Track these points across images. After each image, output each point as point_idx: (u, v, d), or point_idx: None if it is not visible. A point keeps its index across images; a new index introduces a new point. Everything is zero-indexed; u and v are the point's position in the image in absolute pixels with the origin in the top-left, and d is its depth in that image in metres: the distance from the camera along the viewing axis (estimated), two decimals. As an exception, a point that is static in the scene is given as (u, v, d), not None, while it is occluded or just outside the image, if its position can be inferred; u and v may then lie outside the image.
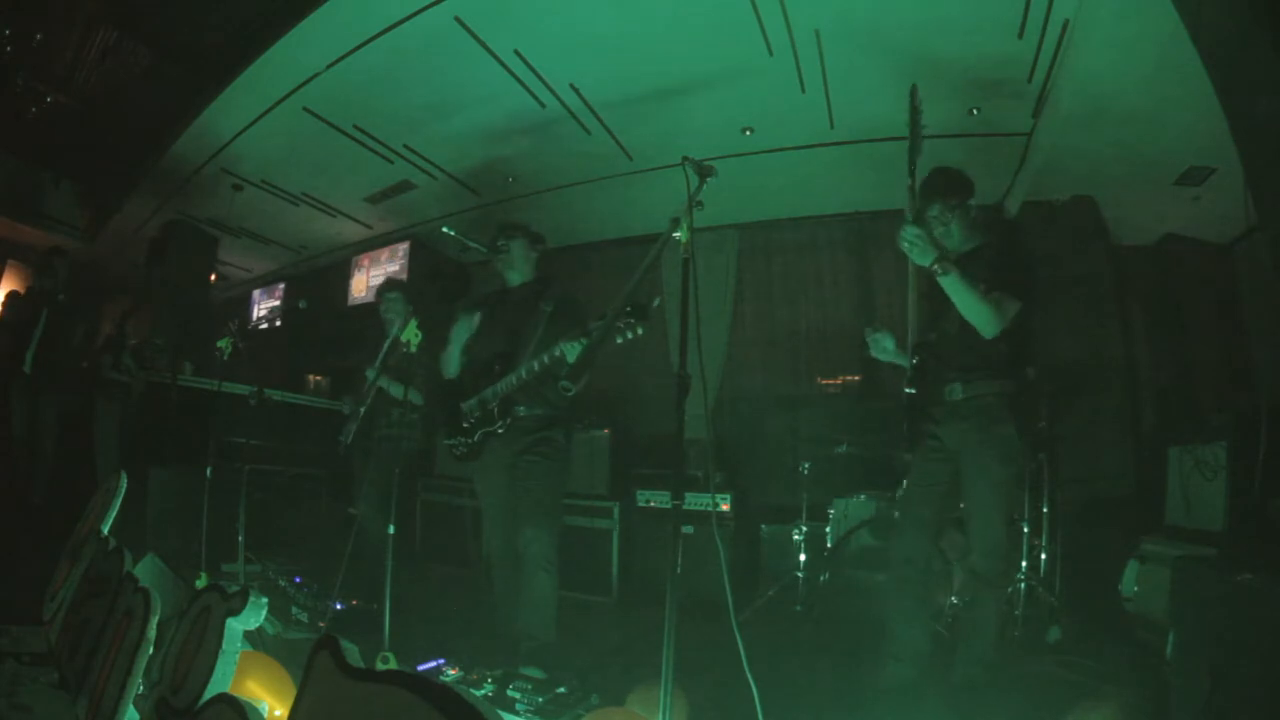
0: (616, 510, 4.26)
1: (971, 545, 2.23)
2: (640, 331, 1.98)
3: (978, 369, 2.20)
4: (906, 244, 2.08)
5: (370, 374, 3.45)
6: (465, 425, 2.66)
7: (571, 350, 2.25)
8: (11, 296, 5.29)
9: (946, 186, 2.31)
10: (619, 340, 1.98)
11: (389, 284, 3.86)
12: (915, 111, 2.21)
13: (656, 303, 2.09)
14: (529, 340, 2.55)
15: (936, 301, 2.26)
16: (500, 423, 2.57)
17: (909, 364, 2.28)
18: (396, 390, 3.38)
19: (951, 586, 3.05)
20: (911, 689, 2.19)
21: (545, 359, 2.39)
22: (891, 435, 2.54)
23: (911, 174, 2.22)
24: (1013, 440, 2.16)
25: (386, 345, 3.48)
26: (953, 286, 2.08)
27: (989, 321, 2.10)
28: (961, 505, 2.27)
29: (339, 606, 3.01)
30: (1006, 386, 2.19)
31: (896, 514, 2.43)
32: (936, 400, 2.26)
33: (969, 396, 2.20)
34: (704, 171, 1.73)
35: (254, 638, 1.97)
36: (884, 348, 2.44)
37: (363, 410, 3.52)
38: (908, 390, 2.27)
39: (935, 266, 2.06)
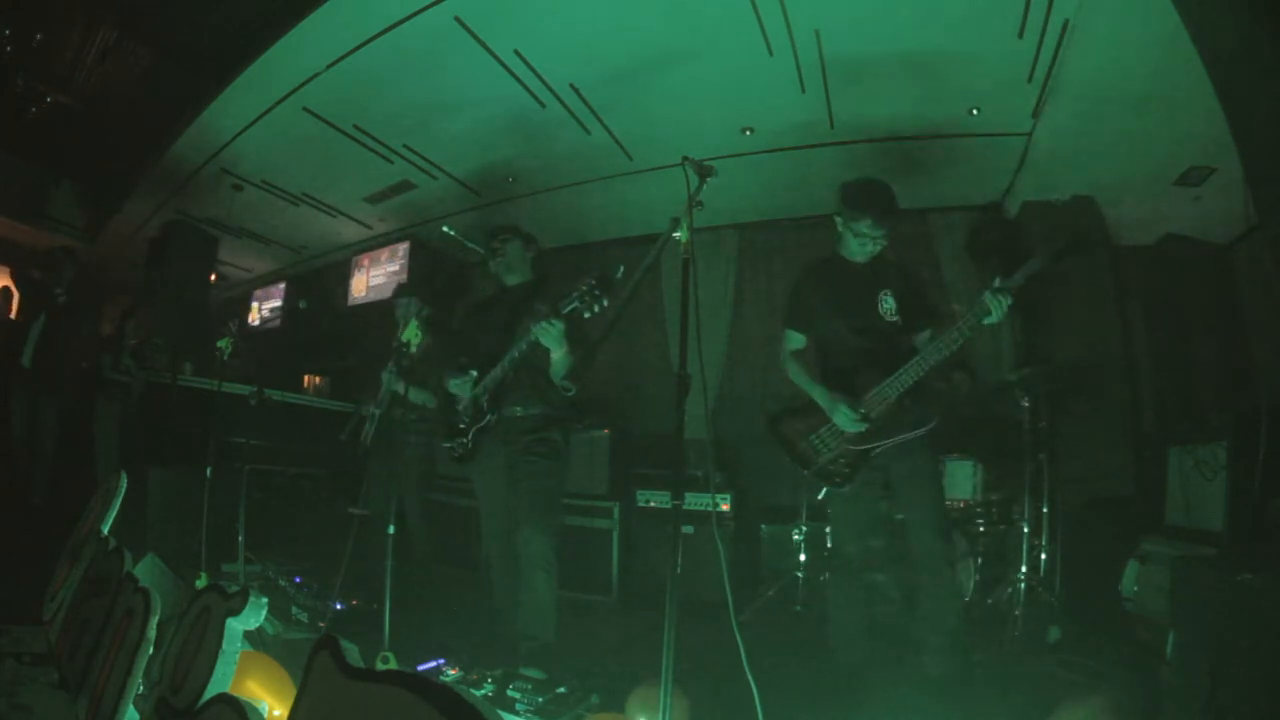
0: (616, 510, 4.26)
1: (926, 535, 2.25)
2: (605, 303, 2.07)
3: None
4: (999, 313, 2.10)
5: (387, 378, 3.44)
6: (460, 426, 2.67)
7: (544, 332, 2.25)
8: (4, 293, 5.29)
9: (891, 207, 2.33)
10: (587, 315, 2.09)
11: (402, 289, 3.86)
12: None
13: (620, 272, 2.13)
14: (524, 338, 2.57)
15: (846, 299, 2.33)
16: (489, 416, 2.57)
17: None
18: (418, 396, 3.37)
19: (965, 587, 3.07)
20: (862, 673, 2.28)
21: (523, 345, 2.39)
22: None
23: None
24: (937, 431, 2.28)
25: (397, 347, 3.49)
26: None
27: None
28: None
29: (339, 606, 3.01)
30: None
31: (829, 513, 2.50)
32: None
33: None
34: (704, 171, 1.73)
35: (254, 638, 1.97)
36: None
37: (378, 412, 3.52)
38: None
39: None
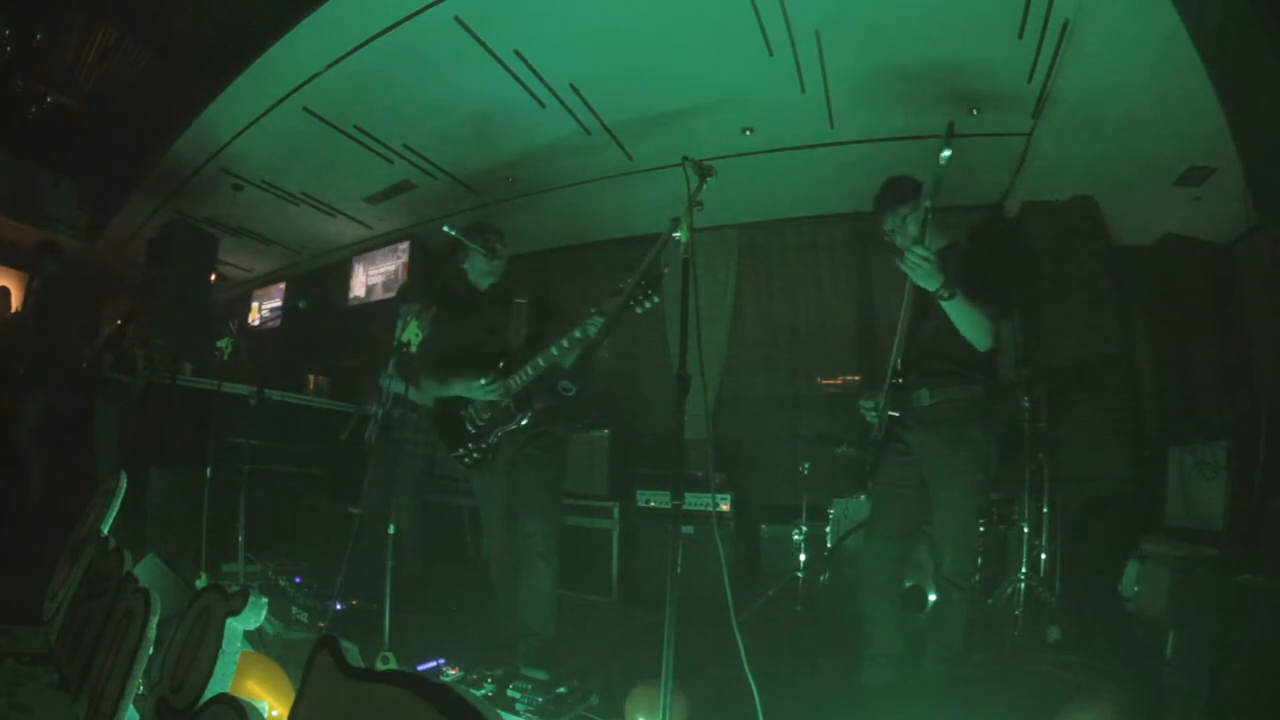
0: (616, 510, 4.26)
1: (941, 549, 2.23)
2: (656, 300, 2.03)
3: (945, 375, 2.22)
4: (911, 266, 2.00)
5: (386, 381, 3.44)
6: (472, 430, 2.61)
7: (594, 327, 2.24)
8: (6, 294, 5.29)
9: (895, 196, 2.29)
10: (639, 311, 2.04)
11: (407, 291, 3.86)
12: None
13: (666, 270, 2.11)
14: (512, 336, 2.56)
15: (908, 310, 2.27)
16: (519, 417, 2.52)
17: (889, 381, 2.27)
18: (418, 397, 3.37)
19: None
20: (893, 688, 2.22)
21: (565, 342, 2.34)
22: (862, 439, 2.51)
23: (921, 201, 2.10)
24: (978, 444, 2.20)
25: (395, 349, 3.49)
26: (956, 309, 2.05)
27: (985, 336, 2.11)
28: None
29: (339, 606, 3.01)
30: (974, 392, 2.22)
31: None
32: (906, 407, 2.27)
33: (936, 402, 2.23)
34: (704, 171, 1.73)
35: (254, 638, 1.97)
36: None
37: (381, 412, 3.53)
38: (891, 413, 2.28)
39: (941, 290, 2.01)
